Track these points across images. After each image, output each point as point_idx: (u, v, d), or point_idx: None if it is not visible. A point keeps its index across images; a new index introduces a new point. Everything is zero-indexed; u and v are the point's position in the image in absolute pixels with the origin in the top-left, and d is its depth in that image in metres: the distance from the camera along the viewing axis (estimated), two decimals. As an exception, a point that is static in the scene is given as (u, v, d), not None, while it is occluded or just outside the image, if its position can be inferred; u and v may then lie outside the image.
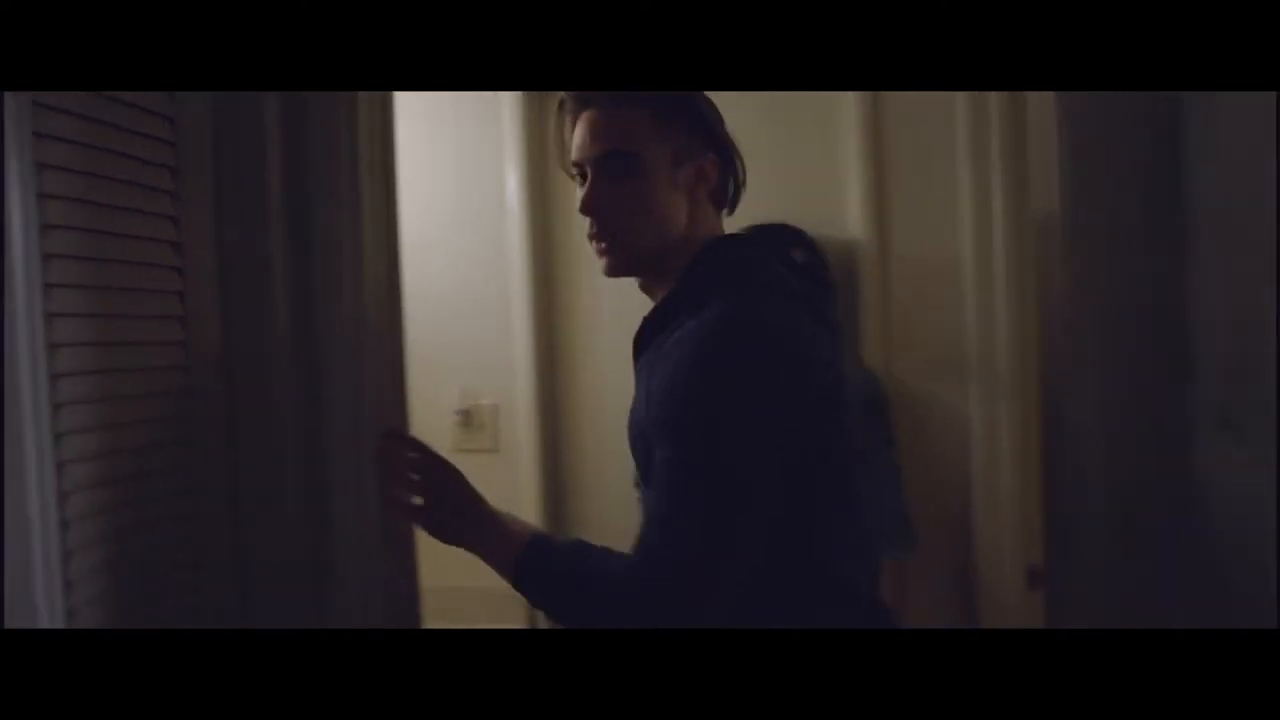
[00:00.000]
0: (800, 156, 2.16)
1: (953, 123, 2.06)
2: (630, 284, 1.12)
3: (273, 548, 1.00)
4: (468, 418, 2.32)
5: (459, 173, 2.37)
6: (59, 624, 0.75)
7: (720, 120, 1.10)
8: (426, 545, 1.10)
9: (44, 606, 0.75)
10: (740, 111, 1.17)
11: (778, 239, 1.24)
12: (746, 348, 0.94)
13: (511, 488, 2.25)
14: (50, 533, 0.76)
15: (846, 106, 2.10)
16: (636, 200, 1.03)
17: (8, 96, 0.71)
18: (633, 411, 1.07)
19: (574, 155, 1.08)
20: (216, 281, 1.00)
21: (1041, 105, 1.00)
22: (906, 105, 2.08)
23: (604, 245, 1.06)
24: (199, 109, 0.97)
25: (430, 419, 2.15)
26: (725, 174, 1.10)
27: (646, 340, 1.08)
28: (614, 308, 2.25)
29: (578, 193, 1.08)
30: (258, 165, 1.02)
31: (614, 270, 1.07)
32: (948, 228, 2.08)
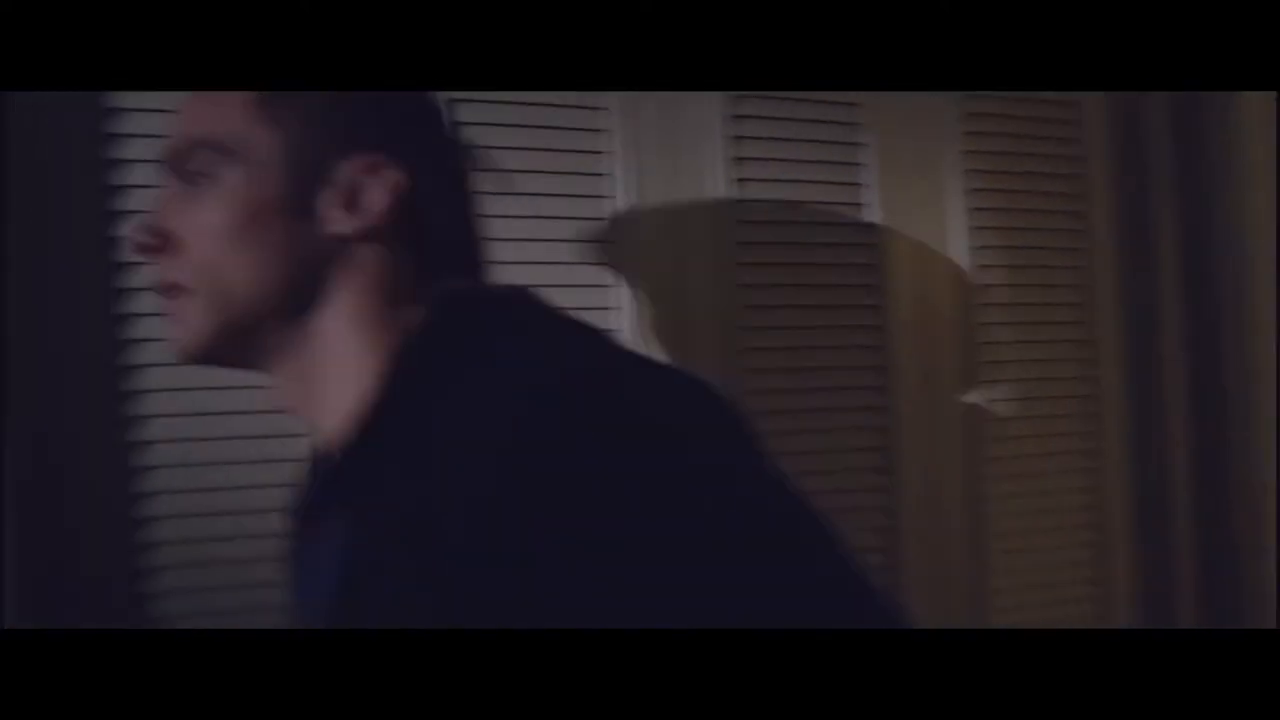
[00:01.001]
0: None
1: None
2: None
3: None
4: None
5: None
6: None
7: (430, 100, 0.63)
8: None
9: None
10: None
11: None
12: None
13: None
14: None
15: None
16: (220, 221, 0.57)
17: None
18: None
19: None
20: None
21: None
22: None
23: (172, 304, 0.59)
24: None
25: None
26: (430, 200, 0.60)
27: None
28: None
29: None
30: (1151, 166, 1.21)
31: (189, 352, 0.59)
32: None
